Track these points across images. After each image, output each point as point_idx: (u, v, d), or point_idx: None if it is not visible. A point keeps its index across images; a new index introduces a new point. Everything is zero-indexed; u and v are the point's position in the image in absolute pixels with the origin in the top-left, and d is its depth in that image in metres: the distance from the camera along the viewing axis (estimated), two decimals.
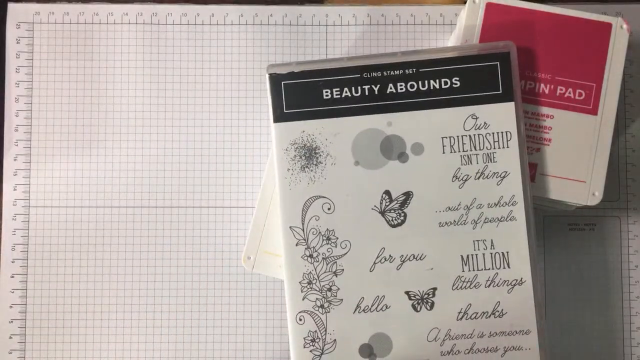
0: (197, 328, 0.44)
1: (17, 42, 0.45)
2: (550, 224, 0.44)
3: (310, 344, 0.36)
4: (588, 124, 0.38)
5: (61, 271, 0.44)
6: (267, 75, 0.37)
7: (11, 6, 0.46)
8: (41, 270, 0.44)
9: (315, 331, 0.36)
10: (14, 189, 0.45)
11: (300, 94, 0.36)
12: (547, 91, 0.38)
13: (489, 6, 0.38)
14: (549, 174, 0.38)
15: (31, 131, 0.45)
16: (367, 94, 0.36)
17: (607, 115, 0.38)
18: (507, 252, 0.36)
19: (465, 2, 0.39)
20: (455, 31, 0.42)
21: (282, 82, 0.36)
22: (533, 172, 0.38)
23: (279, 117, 0.36)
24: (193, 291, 0.44)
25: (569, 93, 0.38)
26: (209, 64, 0.45)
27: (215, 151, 0.45)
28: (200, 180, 0.45)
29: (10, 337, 0.44)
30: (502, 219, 0.36)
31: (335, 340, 0.36)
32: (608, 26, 0.38)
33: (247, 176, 0.45)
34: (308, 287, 0.36)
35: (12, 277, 0.44)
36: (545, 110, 0.38)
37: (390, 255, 0.36)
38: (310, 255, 0.36)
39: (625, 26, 0.38)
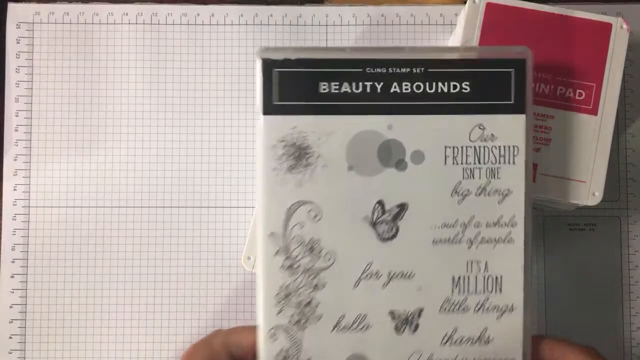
0: (197, 328, 0.44)
1: (17, 42, 0.45)
2: (550, 224, 0.44)
3: None
4: (588, 124, 0.38)
5: (61, 271, 0.44)
6: (259, 60, 0.32)
7: (11, 6, 0.46)
8: (41, 270, 0.44)
9: (289, 349, 0.33)
10: (14, 189, 0.45)
11: (295, 85, 0.32)
12: (547, 91, 0.38)
13: (489, 6, 0.38)
14: (549, 174, 0.38)
15: (31, 131, 0.45)
16: (368, 91, 0.33)
17: (607, 115, 0.38)
18: (501, 276, 0.33)
19: (465, 2, 0.39)
20: (455, 31, 0.42)
21: (275, 70, 0.32)
22: (533, 172, 0.38)
23: (268, 109, 0.32)
24: (193, 291, 0.44)
25: (569, 93, 0.38)
26: (209, 64, 0.45)
27: (215, 151, 0.45)
28: (200, 180, 0.45)
29: (10, 337, 0.44)
30: (499, 240, 0.33)
31: (309, 359, 0.33)
32: (608, 26, 0.38)
33: (247, 176, 0.45)
34: (285, 300, 0.33)
35: (12, 277, 0.44)
36: (545, 110, 0.38)
37: (377, 271, 0.33)
38: (290, 266, 0.33)
39: (625, 26, 0.38)
